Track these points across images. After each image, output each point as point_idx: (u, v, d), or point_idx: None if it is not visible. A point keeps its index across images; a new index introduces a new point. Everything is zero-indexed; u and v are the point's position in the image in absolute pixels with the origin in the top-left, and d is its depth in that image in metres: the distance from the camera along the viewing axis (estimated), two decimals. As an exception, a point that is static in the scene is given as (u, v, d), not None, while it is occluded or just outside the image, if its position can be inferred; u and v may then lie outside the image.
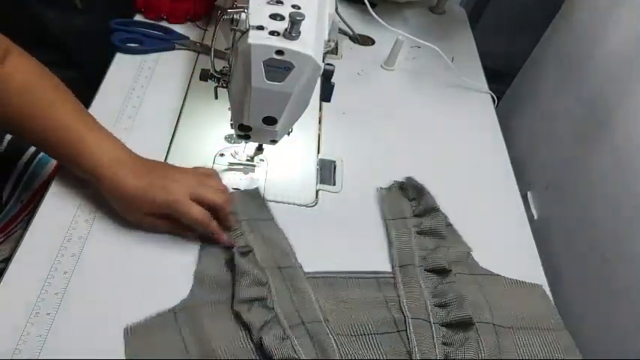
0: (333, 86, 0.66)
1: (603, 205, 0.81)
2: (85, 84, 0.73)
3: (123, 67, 0.83)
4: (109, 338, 0.53)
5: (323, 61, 0.58)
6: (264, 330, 0.54)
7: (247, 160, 0.73)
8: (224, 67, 0.64)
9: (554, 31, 1.11)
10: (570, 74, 0.99)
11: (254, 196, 0.68)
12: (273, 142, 0.66)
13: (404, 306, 0.60)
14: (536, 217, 0.96)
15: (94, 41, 0.83)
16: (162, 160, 0.70)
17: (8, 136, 0.76)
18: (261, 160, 0.74)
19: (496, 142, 0.90)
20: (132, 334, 0.53)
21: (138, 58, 0.85)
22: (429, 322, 0.59)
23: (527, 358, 0.60)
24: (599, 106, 0.88)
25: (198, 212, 0.59)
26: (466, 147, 0.87)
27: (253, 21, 0.55)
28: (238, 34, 0.56)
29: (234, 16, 0.56)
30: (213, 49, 0.63)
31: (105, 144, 0.60)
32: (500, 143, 0.90)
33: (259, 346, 0.53)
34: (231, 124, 0.65)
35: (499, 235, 0.74)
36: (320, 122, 0.83)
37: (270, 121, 0.61)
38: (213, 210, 0.61)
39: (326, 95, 0.68)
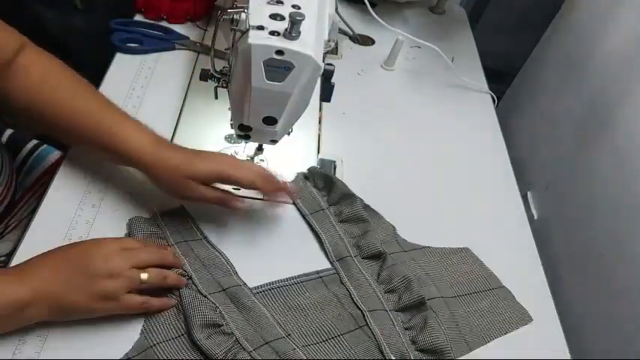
0: (333, 86, 0.66)
1: (603, 205, 0.81)
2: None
3: (123, 67, 0.82)
4: (110, 334, 0.53)
5: (323, 61, 0.58)
6: (229, 357, 0.52)
7: (247, 160, 0.73)
8: (224, 67, 0.64)
9: (554, 31, 1.11)
10: (570, 74, 0.99)
11: (181, 215, 0.65)
12: (273, 142, 0.66)
13: (357, 300, 0.61)
14: (536, 217, 0.96)
15: (94, 41, 0.83)
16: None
17: (9, 131, 0.77)
18: (261, 160, 0.74)
19: (496, 142, 0.90)
20: None
21: (138, 58, 0.85)
22: (385, 309, 0.60)
23: (480, 322, 0.63)
24: (599, 106, 0.88)
25: (248, 171, 0.60)
26: (466, 147, 0.87)
27: (253, 21, 0.55)
28: (238, 34, 0.56)
29: (234, 16, 0.56)
30: (213, 49, 0.63)
31: (137, 128, 0.61)
32: (500, 143, 0.90)
33: None
34: (231, 124, 0.65)
35: (499, 235, 0.74)
36: (320, 122, 0.83)
37: (270, 121, 0.61)
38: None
39: (326, 95, 0.68)
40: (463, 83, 0.98)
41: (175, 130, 0.75)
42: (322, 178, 0.72)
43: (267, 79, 0.56)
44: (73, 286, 0.49)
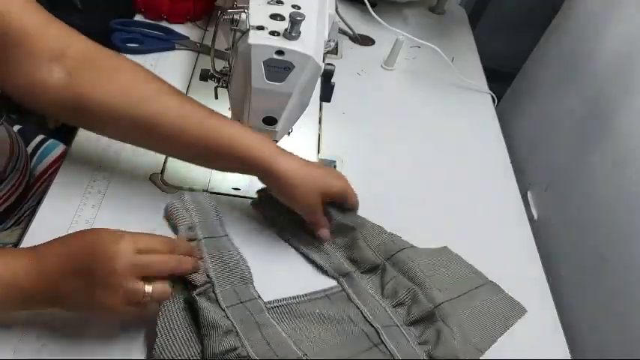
0: (333, 86, 0.66)
1: (603, 205, 0.81)
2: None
3: (123, 67, 0.82)
4: (111, 334, 0.53)
5: (323, 61, 0.58)
6: None
7: None
8: (224, 67, 0.64)
9: (554, 31, 1.11)
10: (570, 74, 0.99)
11: (207, 204, 0.63)
12: (274, 142, 0.66)
13: (368, 316, 0.59)
14: (536, 217, 0.96)
15: (94, 41, 0.83)
16: (162, 161, 0.70)
17: (17, 126, 0.77)
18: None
19: (496, 142, 0.90)
20: None
21: (138, 58, 0.84)
22: (397, 325, 0.59)
23: (483, 322, 0.62)
24: (599, 106, 0.88)
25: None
26: (466, 147, 0.87)
27: (253, 21, 0.55)
28: (238, 34, 0.56)
29: (235, 16, 0.56)
30: (213, 49, 0.63)
31: (254, 136, 0.57)
32: (500, 143, 0.90)
33: None
34: (232, 124, 0.65)
35: (499, 235, 0.74)
36: (320, 122, 0.83)
37: (270, 121, 0.61)
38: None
39: (326, 95, 0.68)
40: (463, 83, 0.98)
41: (175, 130, 0.75)
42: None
43: (267, 79, 0.56)
44: (72, 287, 0.47)
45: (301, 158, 0.59)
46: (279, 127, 0.62)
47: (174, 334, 0.51)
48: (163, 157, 0.70)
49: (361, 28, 1.04)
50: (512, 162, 0.86)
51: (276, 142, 0.66)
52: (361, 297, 0.61)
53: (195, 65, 0.86)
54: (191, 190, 0.66)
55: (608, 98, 0.86)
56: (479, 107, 0.96)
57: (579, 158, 0.90)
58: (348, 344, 0.56)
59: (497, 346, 0.62)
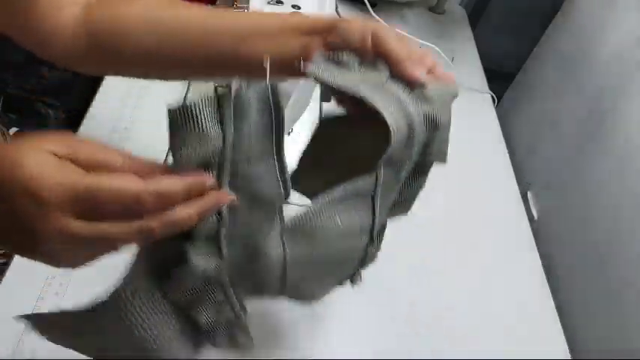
0: (333, 86, 0.66)
1: (603, 205, 0.81)
2: (84, 84, 0.74)
3: (123, 67, 0.83)
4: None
5: (323, 61, 0.58)
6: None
7: None
8: (224, 67, 0.64)
9: (554, 31, 1.11)
10: (570, 74, 0.99)
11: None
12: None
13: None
14: (536, 217, 0.96)
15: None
16: (162, 160, 0.70)
17: (14, 129, 0.77)
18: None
19: (496, 142, 0.90)
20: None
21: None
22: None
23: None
24: (599, 106, 0.88)
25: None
26: (466, 147, 0.87)
27: (253, 21, 0.55)
28: (238, 34, 0.56)
29: (234, 16, 0.56)
30: (213, 49, 0.63)
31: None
32: (500, 143, 0.90)
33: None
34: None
35: (499, 235, 0.74)
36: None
37: (270, 121, 0.61)
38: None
39: (326, 95, 0.68)
40: (463, 83, 0.98)
41: (175, 130, 0.75)
42: None
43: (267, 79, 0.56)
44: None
45: None
46: (279, 127, 0.62)
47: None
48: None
49: (361, 28, 1.04)
50: (512, 162, 0.86)
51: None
52: None
53: (195, 65, 0.86)
54: None
55: (608, 98, 0.86)
56: (479, 107, 0.96)
57: (579, 158, 0.90)
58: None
59: (494, 344, 0.62)
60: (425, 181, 0.52)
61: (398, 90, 0.41)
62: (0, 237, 0.33)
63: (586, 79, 0.93)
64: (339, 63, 0.42)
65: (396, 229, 0.71)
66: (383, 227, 0.52)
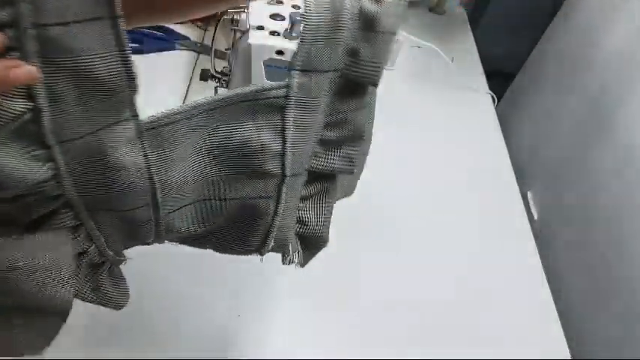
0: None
1: (604, 205, 0.81)
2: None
3: (123, 67, 0.82)
4: (115, 335, 0.53)
5: (323, 61, 0.58)
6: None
7: None
8: (224, 67, 0.64)
9: (554, 31, 1.11)
10: (570, 74, 0.99)
11: None
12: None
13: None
14: (536, 217, 0.96)
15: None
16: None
17: None
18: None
19: (496, 142, 0.90)
20: None
21: (138, 58, 0.84)
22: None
23: None
24: (599, 106, 0.88)
25: None
26: (466, 147, 0.87)
27: (253, 21, 0.55)
28: (238, 34, 0.57)
29: (234, 16, 0.56)
30: (213, 49, 0.63)
31: None
32: (500, 143, 0.90)
33: None
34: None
35: (499, 235, 0.74)
36: (320, 122, 0.83)
37: (270, 121, 0.61)
38: None
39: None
40: (463, 83, 0.98)
41: (175, 130, 0.75)
42: None
43: (267, 79, 0.56)
44: None
45: None
46: (279, 127, 0.61)
47: None
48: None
49: (361, 28, 1.04)
50: (512, 162, 0.86)
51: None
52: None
53: (195, 65, 0.86)
54: None
55: (609, 98, 0.86)
56: (479, 107, 0.96)
57: (579, 158, 0.90)
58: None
59: (494, 345, 0.62)
60: (364, 105, 0.37)
61: None
62: None
63: (586, 79, 0.94)
64: None
65: (395, 229, 0.71)
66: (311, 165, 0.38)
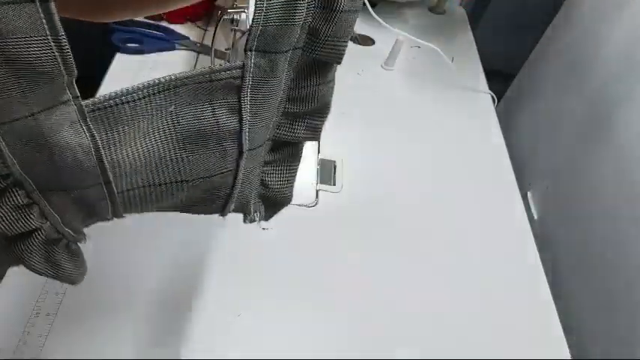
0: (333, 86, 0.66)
1: (604, 205, 0.81)
2: (84, 84, 0.73)
3: (123, 67, 0.82)
4: (114, 334, 0.53)
5: (323, 61, 0.58)
6: None
7: None
8: (224, 67, 0.64)
9: (555, 31, 1.11)
10: (571, 74, 0.99)
11: None
12: (273, 141, 0.65)
13: None
14: (536, 217, 0.96)
15: (94, 41, 0.83)
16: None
17: None
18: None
19: (496, 142, 0.90)
20: None
21: (138, 58, 0.85)
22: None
23: None
24: (599, 106, 0.88)
25: None
26: (466, 147, 0.87)
27: (253, 21, 0.55)
28: (238, 34, 0.57)
29: (234, 16, 0.56)
30: (213, 49, 0.63)
31: None
32: (500, 143, 0.90)
33: None
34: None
35: (499, 235, 0.74)
36: (320, 122, 0.83)
37: (270, 120, 0.61)
38: None
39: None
40: (463, 83, 0.98)
41: (175, 130, 0.75)
42: None
43: (267, 79, 0.56)
44: None
45: None
46: (279, 126, 0.61)
47: None
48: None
49: (361, 28, 1.04)
50: (512, 162, 0.86)
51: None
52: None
53: (195, 65, 0.86)
54: None
55: (609, 98, 0.86)
56: (479, 107, 0.96)
57: (580, 158, 0.90)
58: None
59: (494, 345, 0.62)
60: (329, 80, 0.39)
61: None
62: None
63: (586, 79, 0.94)
64: None
65: (395, 229, 0.71)
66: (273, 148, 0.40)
